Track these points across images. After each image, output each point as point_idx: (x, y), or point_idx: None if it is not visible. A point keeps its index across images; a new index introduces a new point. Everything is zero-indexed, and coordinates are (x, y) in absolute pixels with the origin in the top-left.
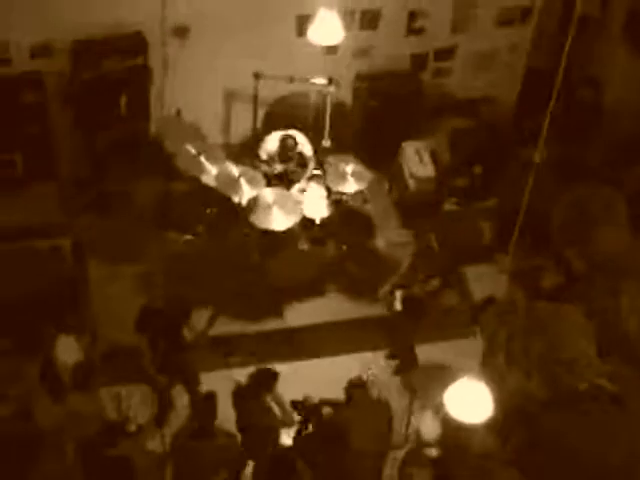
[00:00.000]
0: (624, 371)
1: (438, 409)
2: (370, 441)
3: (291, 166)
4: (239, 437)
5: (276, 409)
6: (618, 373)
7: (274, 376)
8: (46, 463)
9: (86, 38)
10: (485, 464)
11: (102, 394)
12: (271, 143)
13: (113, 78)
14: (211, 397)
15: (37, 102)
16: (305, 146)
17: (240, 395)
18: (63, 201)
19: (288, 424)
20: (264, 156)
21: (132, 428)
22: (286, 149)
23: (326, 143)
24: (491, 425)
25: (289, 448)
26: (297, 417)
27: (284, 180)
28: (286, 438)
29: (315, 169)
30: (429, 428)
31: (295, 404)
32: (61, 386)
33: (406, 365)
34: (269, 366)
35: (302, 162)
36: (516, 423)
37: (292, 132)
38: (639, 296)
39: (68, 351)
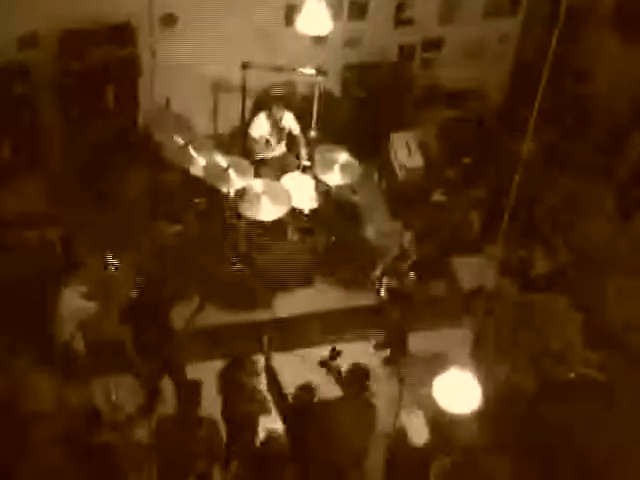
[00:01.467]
0: (612, 361)
1: (425, 401)
2: (356, 434)
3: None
4: (223, 427)
5: (258, 397)
6: (606, 363)
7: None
8: (33, 453)
9: (73, 28)
10: (473, 456)
11: (91, 384)
12: (260, 126)
13: (101, 69)
14: (195, 385)
15: (25, 93)
16: (293, 125)
17: (223, 383)
18: (51, 192)
19: (266, 412)
20: (256, 136)
21: (120, 417)
22: (275, 120)
23: (313, 133)
24: (479, 416)
25: (275, 439)
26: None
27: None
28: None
29: (304, 160)
30: (417, 431)
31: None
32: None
33: (395, 355)
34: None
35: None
36: (504, 413)
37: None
38: (625, 286)
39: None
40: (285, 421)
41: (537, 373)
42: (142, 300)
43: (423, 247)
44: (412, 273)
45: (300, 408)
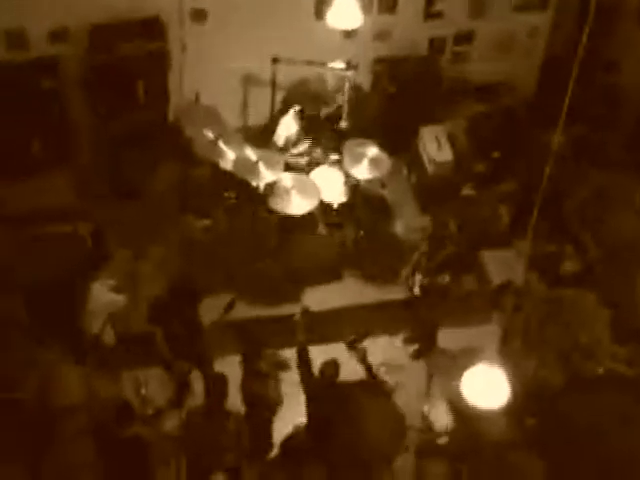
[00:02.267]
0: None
1: (453, 396)
2: (385, 429)
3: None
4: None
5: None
6: (634, 357)
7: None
8: (62, 446)
9: (103, 23)
10: (502, 452)
11: (121, 377)
12: (287, 125)
13: (131, 63)
14: (222, 379)
15: (54, 88)
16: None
17: (246, 377)
18: (81, 187)
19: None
20: (281, 142)
21: (149, 411)
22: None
23: (343, 124)
24: (507, 411)
25: (302, 434)
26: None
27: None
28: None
29: (333, 154)
30: (442, 418)
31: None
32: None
33: (424, 349)
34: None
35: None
36: (532, 408)
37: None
38: None
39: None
40: (309, 404)
41: (565, 368)
42: (170, 294)
43: (454, 241)
44: (444, 270)
45: (325, 390)
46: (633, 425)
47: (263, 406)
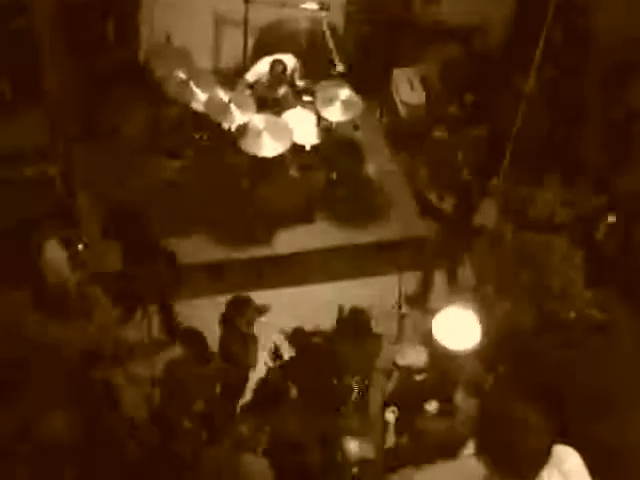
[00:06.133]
0: (612, 300)
1: (426, 337)
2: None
3: (280, 91)
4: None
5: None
6: (607, 302)
7: (247, 303)
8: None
9: None
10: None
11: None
12: (261, 67)
13: (101, 3)
14: (199, 336)
15: (25, 28)
16: (296, 72)
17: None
18: (52, 128)
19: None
20: (251, 79)
21: (121, 353)
22: (275, 75)
23: (340, 67)
24: (479, 353)
25: (277, 373)
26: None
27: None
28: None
29: (306, 95)
30: (416, 356)
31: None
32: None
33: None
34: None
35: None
36: (504, 352)
37: (283, 56)
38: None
39: (54, 252)
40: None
41: (538, 312)
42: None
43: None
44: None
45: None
46: (603, 370)
47: (239, 364)
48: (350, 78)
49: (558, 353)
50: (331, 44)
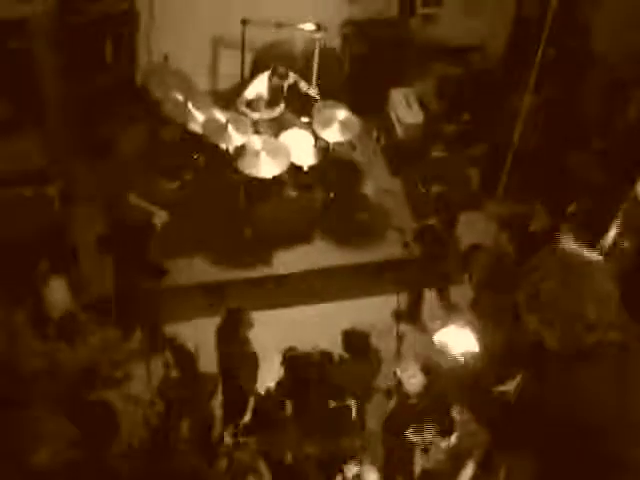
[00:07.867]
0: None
1: (424, 357)
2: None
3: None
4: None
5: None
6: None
7: (242, 316)
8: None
9: None
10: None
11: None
12: (259, 84)
13: (99, 23)
14: (188, 353)
15: (22, 48)
16: (299, 81)
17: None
18: (50, 148)
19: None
20: (250, 96)
21: (118, 374)
22: (278, 75)
23: (312, 91)
24: (474, 373)
25: (275, 391)
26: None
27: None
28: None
29: (304, 116)
30: (413, 381)
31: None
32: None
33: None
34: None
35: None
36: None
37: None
38: None
39: (58, 292)
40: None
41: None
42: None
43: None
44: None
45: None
46: (621, 390)
47: (239, 376)
48: (347, 98)
49: (582, 374)
50: (315, 66)
